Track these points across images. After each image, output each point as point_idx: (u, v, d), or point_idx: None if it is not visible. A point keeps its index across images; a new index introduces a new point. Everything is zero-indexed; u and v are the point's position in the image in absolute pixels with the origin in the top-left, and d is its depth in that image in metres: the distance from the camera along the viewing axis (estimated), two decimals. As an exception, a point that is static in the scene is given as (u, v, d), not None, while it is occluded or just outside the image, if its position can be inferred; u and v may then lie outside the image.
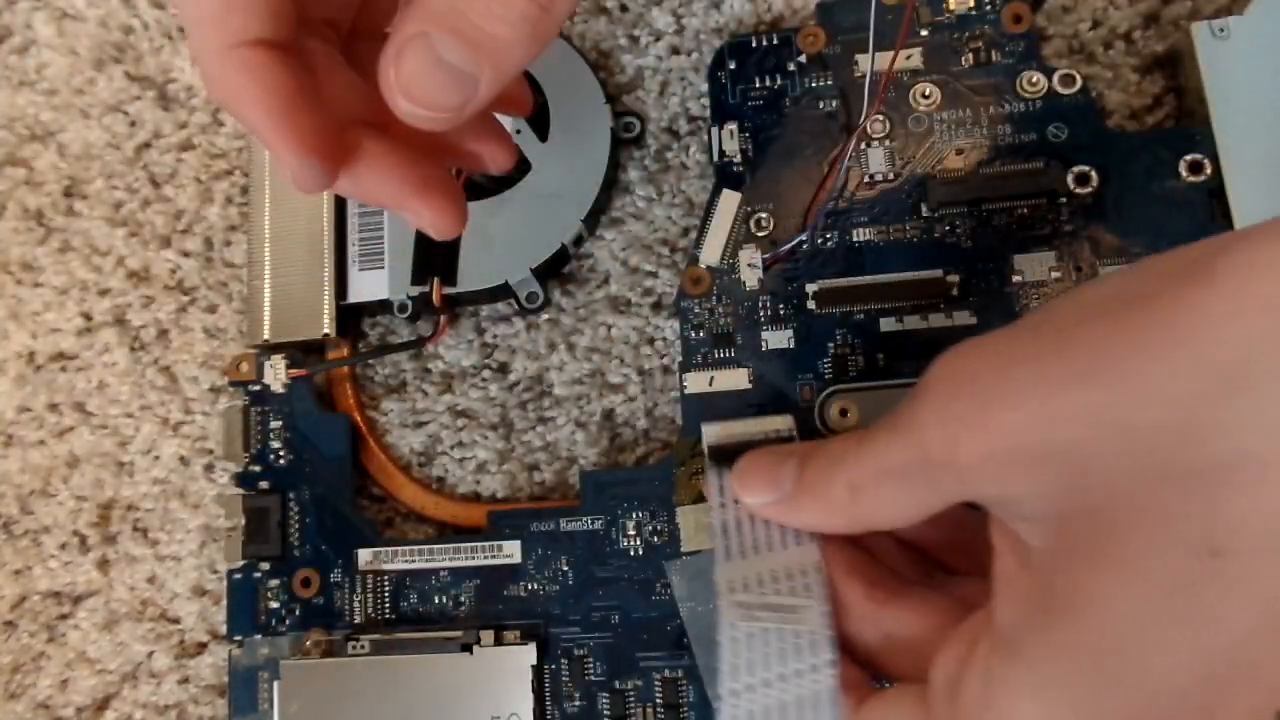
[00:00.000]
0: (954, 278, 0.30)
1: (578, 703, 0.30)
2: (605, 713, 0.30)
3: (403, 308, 0.33)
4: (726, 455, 0.26)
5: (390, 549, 0.32)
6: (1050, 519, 0.18)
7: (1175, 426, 0.16)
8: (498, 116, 0.29)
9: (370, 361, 0.35)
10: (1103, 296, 0.18)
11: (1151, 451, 0.16)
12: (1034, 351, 0.18)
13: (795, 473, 0.23)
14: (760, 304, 0.31)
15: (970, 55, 0.31)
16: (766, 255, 0.31)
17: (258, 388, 0.33)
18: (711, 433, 0.28)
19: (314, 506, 0.32)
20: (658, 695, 0.30)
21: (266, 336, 0.33)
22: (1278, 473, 0.15)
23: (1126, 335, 0.17)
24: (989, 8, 0.31)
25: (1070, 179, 0.30)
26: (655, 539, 0.30)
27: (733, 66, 0.32)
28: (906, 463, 0.20)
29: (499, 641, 0.30)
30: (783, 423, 0.27)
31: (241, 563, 0.32)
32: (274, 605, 0.32)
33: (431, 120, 0.21)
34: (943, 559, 0.24)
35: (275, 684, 0.30)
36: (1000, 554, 0.20)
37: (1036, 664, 0.18)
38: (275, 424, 0.33)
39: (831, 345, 0.30)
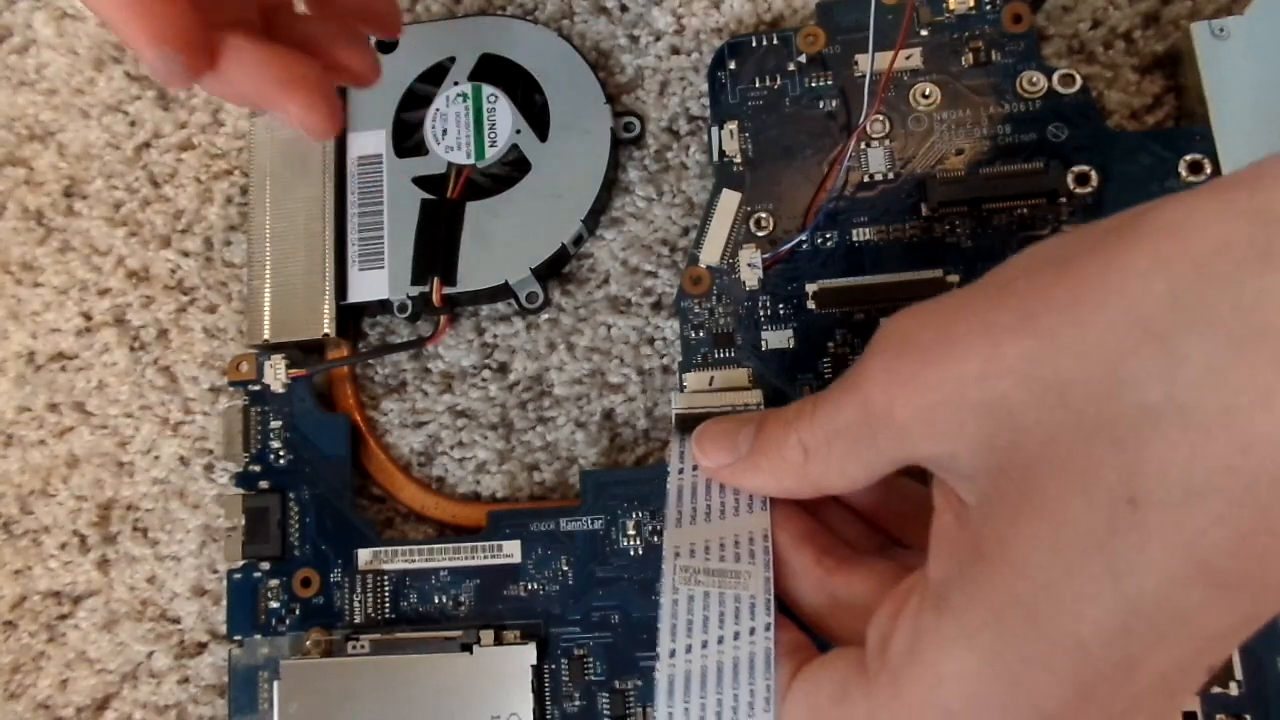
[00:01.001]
0: (954, 278, 0.30)
1: (578, 703, 0.30)
2: (605, 713, 0.30)
3: (403, 308, 0.33)
4: (691, 424, 0.26)
5: (390, 549, 0.32)
6: (983, 474, 0.18)
7: (1098, 378, 0.16)
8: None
9: (370, 361, 0.35)
10: (1041, 257, 0.18)
11: (1076, 403, 0.17)
12: (973, 310, 0.19)
13: (751, 435, 0.24)
14: (760, 304, 0.31)
15: (970, 55, 0.31)
16: (766, 255, 0.31)
17: (258, 388, 0.33)
18: (680, 401, 0.28)
19: (314, 506, 0.32)
20: (658, 695, 0.30)
21: (266, 336, 0.33)
22: (1197, 421, 0.15)
23: (1058, 291, 0.17)
24: (989, 8, 0.31)
25: (1070, 179, 0.30)
26: (655, 539, 0.30)
27: (733, 66, 0.32)
28: (853, 423, 0.20)
29: (499, 641, 0.30)
30: (752, 397, 0.28)
31: (241, 563, 0.32)
32: (274, 605, 0.32)
33: None
34: (902, 535, 0.25)
35: (275, 684, 0.30)
36: (939, 512, 0.20)
37: (963, 615, 0.18)
38: (275, 424, 0.33)
39: (831, 345, 0.30)
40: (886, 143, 0.31)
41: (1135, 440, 0.16)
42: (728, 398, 0.28)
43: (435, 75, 0.35)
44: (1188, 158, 0.30)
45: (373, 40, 0.35)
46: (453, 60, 0.35)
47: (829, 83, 0.32)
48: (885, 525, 0.25)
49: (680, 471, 0.25)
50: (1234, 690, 0.27)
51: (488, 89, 0.34)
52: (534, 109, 0.34)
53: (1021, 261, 0.19)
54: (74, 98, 0.38)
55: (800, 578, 0.23)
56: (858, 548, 0.24)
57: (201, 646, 0.34)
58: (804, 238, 0.31)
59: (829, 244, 0.31)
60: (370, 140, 0.34)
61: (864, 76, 0.31)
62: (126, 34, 0.22)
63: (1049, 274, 0.18)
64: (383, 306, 0.34)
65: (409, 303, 0.33)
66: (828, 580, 0.23)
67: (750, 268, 0.31)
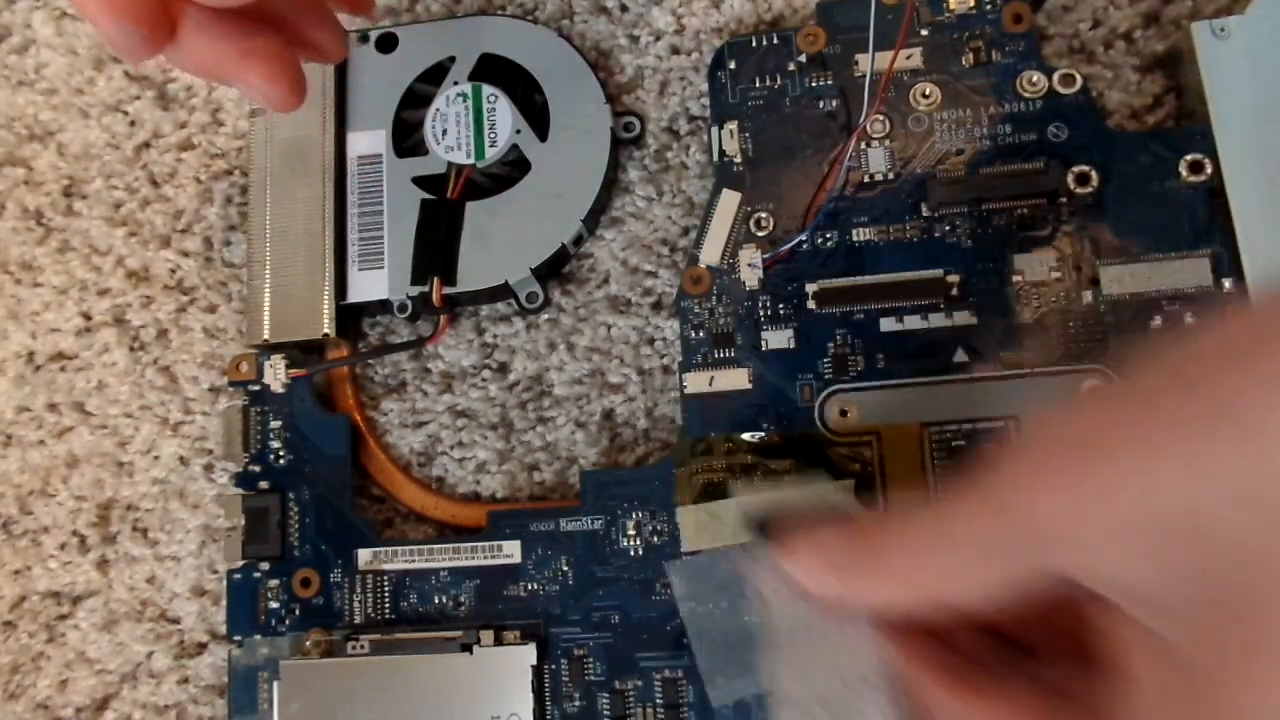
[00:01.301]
0: (954, 278, 0.30)
1: (578, 703, 0.30)
2: (605, 713, 0.30)
3: (403, 308, 0.33)
4: (771, 529, 0.22)
5: (390, 549, 0.32)
6: (1189, 608, 0.15)
7: None
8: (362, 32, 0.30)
9: (370, 361, 0.35)
10: (1225, 339, 0.15)
11: None
12: (1151, 404, 0.15)
13: (853, 542, 0.20)
14: (760, 304, 0.31)
15: (970, 55, 0.31)
16: (766, 255, 0.31)
17: (258, 388, 0.33)
18: (749, 503, 0.24)
19: (314, 506, 0.32)
20: (658, 695, 0.30)
21: (266, 336, 0.33)
22: None
23: (1259, 383, 0.14)
24: (989, 8, 0.31)
25: (1070, 179, 0.30)
26: (655, 539, 0.30)
27: (733, 66, 0.32)
28: (987, 530, 0.17)
29: (499, 641, 0.30)
30: (839, 491, 0.23)
31: (241, 563, 0.32)
32: (274, 605, 0.32)
33: None
34: (1015, 633, 0.21)
35: (275, 684, 0.30)
36: (1120, 643, 0.17)
37: None
38: (275, 424, 0.33)
39: (831, 345, 0.30)
40: (886, 143, 0.31)
41: None
42: (808, 494, 0.23)
43: (435, 75, 0.34)
44: (1188, 158, 0.30)
45: (373, 39, 0.35)
46: (453, 60, 0.35)
47: (829, 83, 0.32)
48: (999, 625, 0.21)
49: (764, 592, 0.21)
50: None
51: (488, 89, 0.34)
52: (534, 109, 0.34)
53: (1200, 346, 0.16)
54: (74, 98, 0.38)
55: (935, 712, 0.20)
56: (983, 662, 0.20)
57: (201, 646, 0.34)
58: (804, 238, 0.31)
59: (829, 244, 0.31)
60: (370, 140, 0.34)
61: (864, 76, 0.31)
62: (85, 7, 0.21)
63: (1241, 360, 0.15)
64: (383, 306, 0.34)
65: (409, 303, 0.33)
66: (968, 713, 0.19)
67: (750, 268, 0.31)
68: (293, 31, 0.26)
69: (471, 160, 0.33)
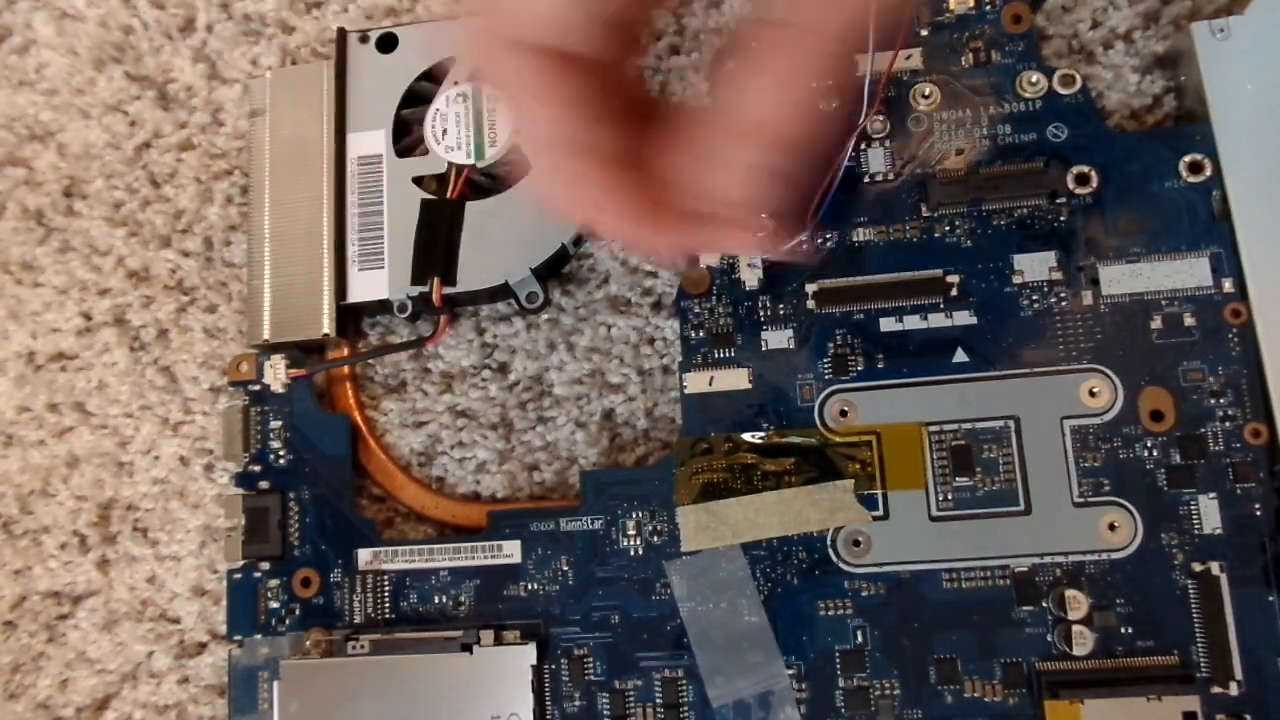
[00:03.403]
0: (954, 278, 0.30)
1: (578, 703, 0.30)
2: (605, 713, 0.30)
3: (403, 308, 0.33)
4: None
5: (390, 549, 0.32)
6: None
7: None
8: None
9: (370, 361, 0.35)
10: None
11: None
12: None
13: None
14: (760, 304, 0.31)
15: (970, 55, 0.31)
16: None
17: (258, 388, 0.33)
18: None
19: (314, 506, 0.32)
20: (658, 695, 0.30)
21: (266, 336, 0.33)
22: None
23: None
24: (989, 8, 0.31)
25: (1070, 179, 0.30)
26: (655, 539, 0.30)
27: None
28: None
29: (499, 641, 0.30)
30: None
31: (241, 563, 0.32)
32: (274, 605, 0.32)
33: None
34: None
35: (275, 684, 0.30)
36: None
37: None
38: (275, 424, 0.33)
39: (831, 345, 0.30)
40: (886, 143, 0.31)
41: None
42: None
43: (435, 75, 0.34)
44: (1188, 158, 0.30)
45: (373, 39, 0.35)
46: (453, 60, 0.35)
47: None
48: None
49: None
50: (1234, 690, 0.27)
51: (488, 89, 0.34)
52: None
53: None
54: (74, 98, 0.38)
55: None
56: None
57: (201, 646, 0.34)
58: (804, 237, 0.31)
59: (829, 244, 0.31)
60: (370, 140, 0.34)
61: (864, 76, 0.31)
62: (635, 252, 0.26)
63: None
64: (383, 306, 0.34)
65: (409, 303, 0.33)
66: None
67: (750, 268, 0.31)
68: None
69: (471, 160, 0.33)
